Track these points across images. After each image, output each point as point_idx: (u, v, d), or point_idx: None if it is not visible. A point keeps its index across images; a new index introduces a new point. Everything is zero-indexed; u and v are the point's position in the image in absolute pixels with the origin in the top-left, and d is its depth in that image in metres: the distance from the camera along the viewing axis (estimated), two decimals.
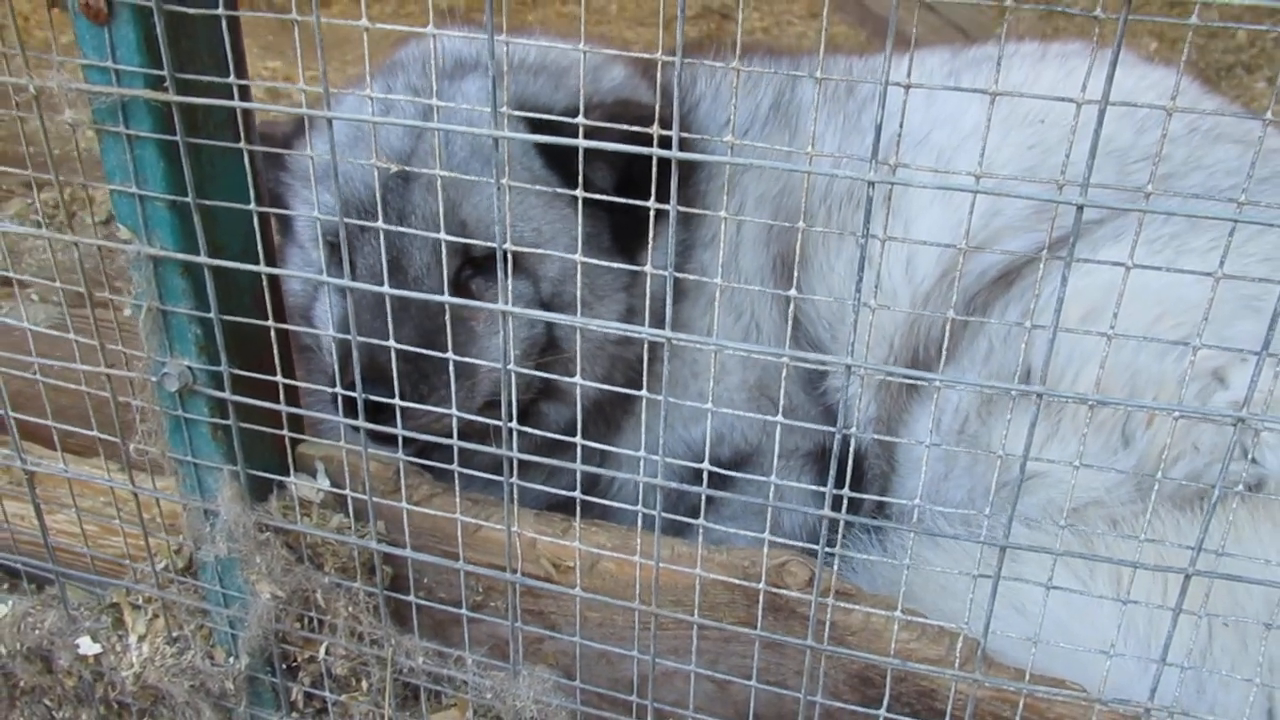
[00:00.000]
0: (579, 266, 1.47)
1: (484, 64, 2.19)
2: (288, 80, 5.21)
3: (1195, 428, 2.18)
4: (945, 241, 2.30)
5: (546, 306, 2.15)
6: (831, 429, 1.46)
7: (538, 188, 2.04)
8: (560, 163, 2.14)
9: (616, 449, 1.68)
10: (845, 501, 1.51)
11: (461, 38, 2.17)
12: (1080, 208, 1.36)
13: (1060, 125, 2.42)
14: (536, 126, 2.09)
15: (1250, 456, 2.24)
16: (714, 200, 2.29)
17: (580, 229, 1.48)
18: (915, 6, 4.45)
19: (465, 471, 1.73)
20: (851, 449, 1.56)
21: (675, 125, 1.34)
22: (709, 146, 2.17)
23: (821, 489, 1.49)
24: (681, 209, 1.41)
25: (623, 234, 2.14)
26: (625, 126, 1.44)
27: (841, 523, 1.53)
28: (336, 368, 1.78)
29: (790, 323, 2.30)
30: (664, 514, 1.65)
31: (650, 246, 1.70)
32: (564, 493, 1.70)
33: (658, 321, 1.47)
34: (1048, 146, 2.41)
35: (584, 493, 1.67)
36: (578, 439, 1.61)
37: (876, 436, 2.30)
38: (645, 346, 1.54)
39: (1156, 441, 2.22)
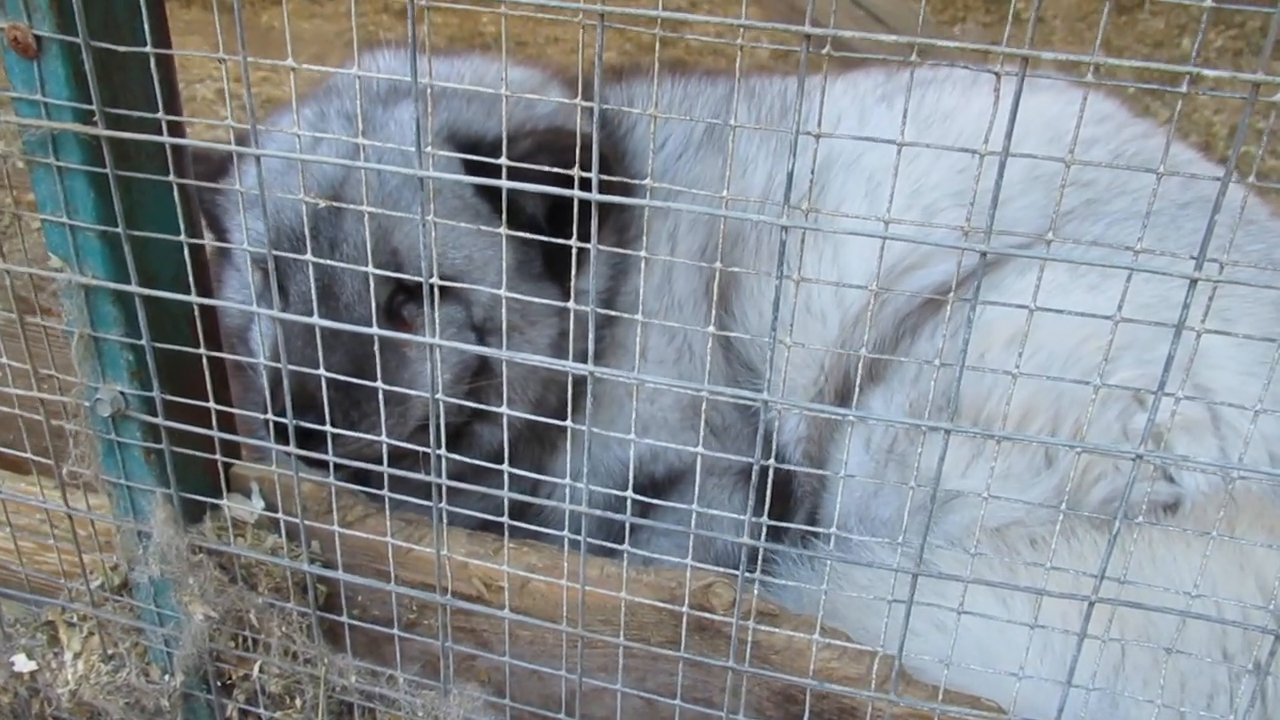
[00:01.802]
0: (509, 295, 1.51)
1: (422, 89, 2.21)
2: (236, 82, 5.20)
3: (1118, 447, 2.24)
4: (874, 264, 2.36)
5: (479, 330, 2.18)
6: (749, 459, 1.51)
7: (464, 225, 2.05)
8: (491, 190, 2.17)
9: (546, 477, 1.72)
10: (764, 530, 1.56)
11: (398, 60, 2.20)
12: (984, 254, 1.40)
13: (995, 146, 2.47)
14: (469, 154, 2.12)
15: (1168, 476, 2.31)
16: (649, 222, 2.32)
17: (511, 256, 1.51)
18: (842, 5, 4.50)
19: (396, 497, 1.76)
20: (774, 469, 1.60)
21: (594, 169, 1.38)
22: (645, 168, 2.21)
23: (746, 515, 1.53)
24: (604, 248, 1.45)
25: (554, 260, 2.17)
26: (556, 155, 1.47)
27: (766, 545, 1.58)
28: (268, 394, 1.81)
29: (722, 343, 2.35)
30: (593, 540, 1.69)
31: (582, 273, 1.74)
32: (493, 518, 1.73)
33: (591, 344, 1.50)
34: (980, 168, 2.46)
35: (520, 512, 1.71)
36: (504, 466, 1.65)
37: (797, 467, 2.35)
38: (586, 360, 1.57)
39: (1079, 461, 2.28)
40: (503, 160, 1.42)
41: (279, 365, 1.65)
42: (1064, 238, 2.40)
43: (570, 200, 1.38)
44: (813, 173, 1.43)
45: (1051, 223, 1.43)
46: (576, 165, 1.39)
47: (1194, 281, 1.35)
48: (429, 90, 1.46)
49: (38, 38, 1.52)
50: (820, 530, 1.74)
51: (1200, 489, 2.25)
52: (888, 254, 2.42)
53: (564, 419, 2.17)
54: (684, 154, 2.43)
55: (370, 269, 1.57)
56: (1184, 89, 1.26)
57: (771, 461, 1.56)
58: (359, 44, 1.51)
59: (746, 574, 1.66)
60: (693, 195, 2.00)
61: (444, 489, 1.67)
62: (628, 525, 1.66)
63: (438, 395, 1.61)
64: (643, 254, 1.44)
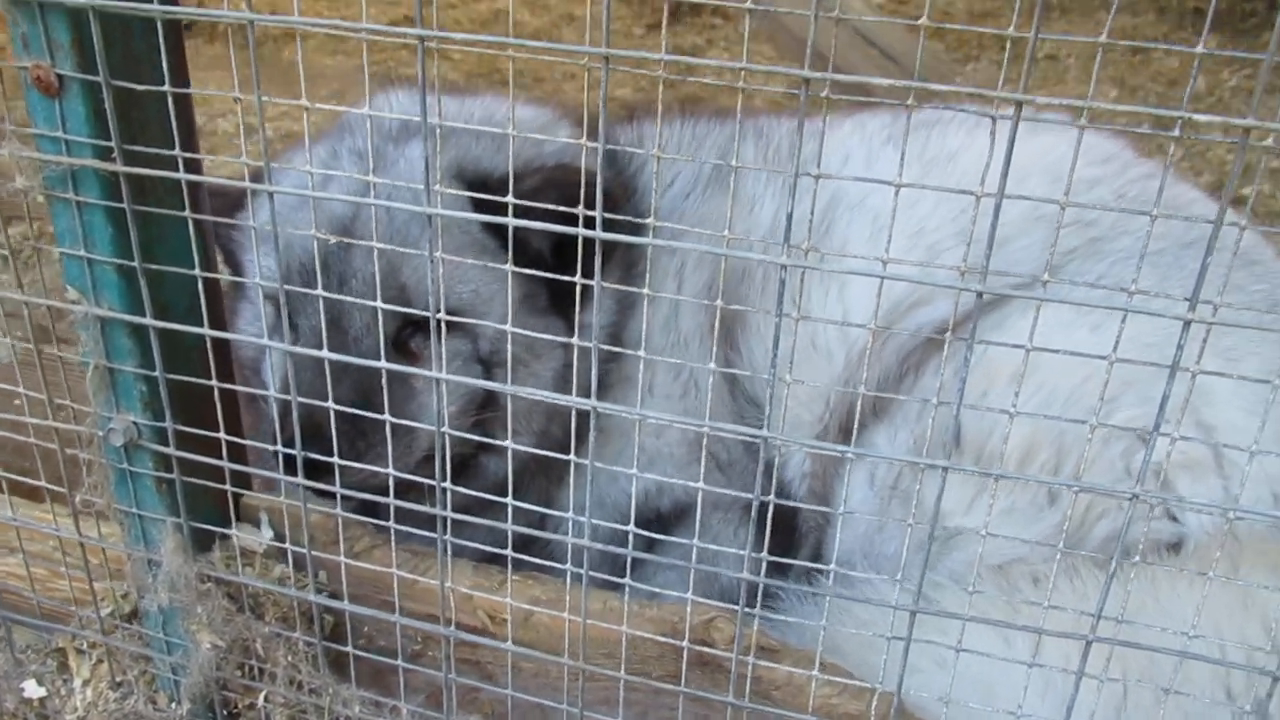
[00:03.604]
0: (514, 328, 1.54)
1: (431, 127, 2.25)
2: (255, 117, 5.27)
3: (1118, 485, 2.25)
4: (879, 301, 2.38)
5: (485, 363, 2.20)
6: (749, 495, 1.53)
7: (470, 262, 2.09)
8: (499, 226, 2.20)
9: (552, 511, 1.74)
10: (763, 566, 1.58)
11: (411, 98, 2.24)
12: (980, 294, 1.42)
13: (993, 188, 2.50)
14: (477, 190, 2.16)
15: (1171, 515, 2.32)
16: (655, 258, 2.35)
17: (517, 290, 1.54)
18: (855, 42, 4.55)
19: (402, 529, 1.79)
20: (779, 503, 1.62)
21: (599, 207, 1.40)
22: (649, 208, 2.26)
23: (753, 547, 1.55)
24: (609, 285, 1.47)
25: (561, 294, 2.20)
26: (562, 191, 1.50)
27: (769, 579, 1.60)
28: (277, 425, 1.84)
29: (725, 374, 2.37)
30: (600, 574, 1.71)
31: (587, 308, 1.76)
32: (499, 550, 1.75)
33: (596, 377, 1.53)
34: (981, 210, 2.48)
35: (527, 544, 1.73)
36: (509, 500, 1.67)
37: (800, 504, 2.36)
38: (590, 395, 1.60)
39: (1082, 498, 2.29)
40: (509, 199, 1.45)
41: (287, 397, 1.68)
42: (1066, 277, 2.42)
43: (576, 236, 1.41)
44: (812, 214, 1.46)
45: (1048, 264, 1.46)
46: (581, 204, 1.42)
47: (1187, 323, 1.36)
48: (438, 129, 1.50)
49: (60, 76, 1.57)
50: (819, 567, 1.75)
51: (1204, 528, 2.25)
52: (892, 291, 2.45)
53: (570, 452, 2.19)
54: (692, 192, 2.47)
55: (379, 304, 1.60)
56: (1176, 133, 1.29)
57: (771, 498, 1.57)
58: (373, 82, 1.55)
59: (747, 610, 1.67)
60: (698, 235, 2.04)
61: (449, 521, 1.69)
62: (629, 561, 1.68)
63: (443, 429, 1.63)
64: (645, 291, 1.47)
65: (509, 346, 1.58)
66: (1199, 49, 1.24)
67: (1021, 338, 2.26)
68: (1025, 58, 1.31)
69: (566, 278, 1.50)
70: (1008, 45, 1.28)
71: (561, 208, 1.44)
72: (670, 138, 2.56)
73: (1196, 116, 1.25)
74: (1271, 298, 2.45)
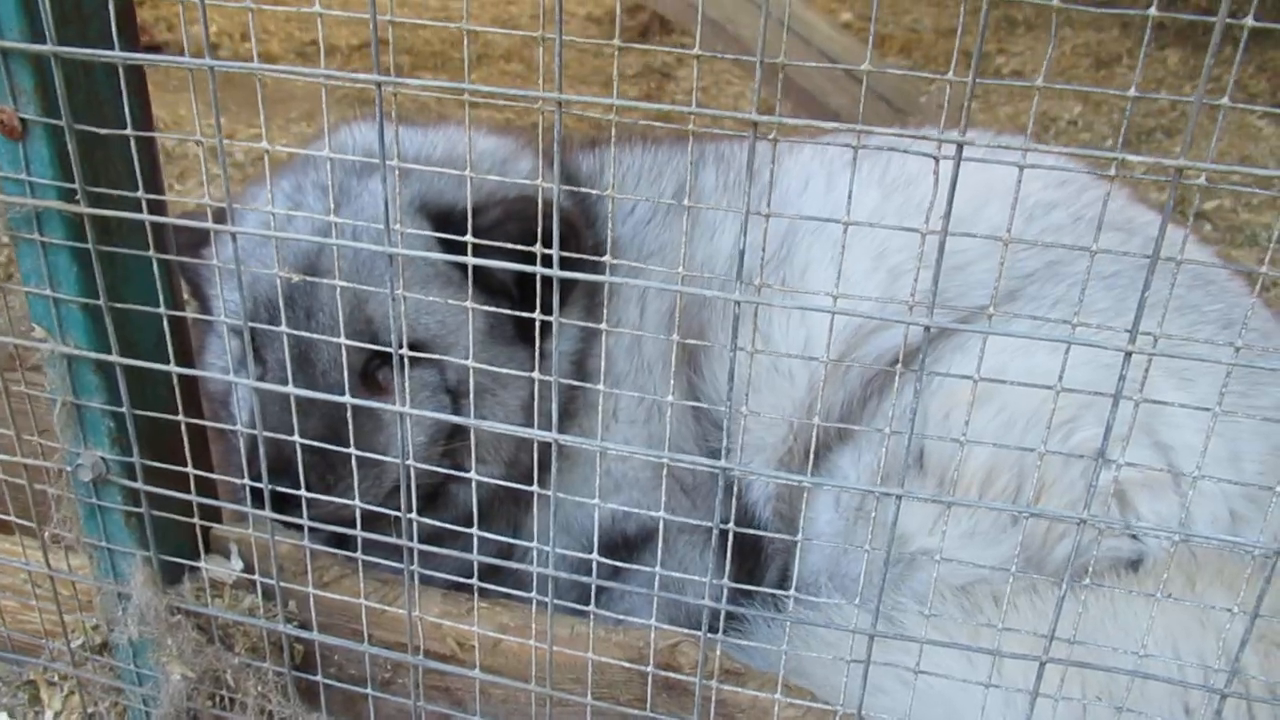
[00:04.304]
0: (482, 357, 1.57)
1: (390, 162, 2.28)
2: (229, 138, 5.29)
3: (1079, 505, 2.29)
4: (841, 324, 2.42)
5: (453, 393, 2.23)
6: (710, 524, 1.56)
7: (435, 294, 2.12)
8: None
9: (518, 542, 1.77)
10: (724, 593, 1.61)
11: (373, 129, 2.25)
12: (927, 328, 1.45)
13: (956, 213, 2.54)
14: (441, 223, 2.19)
15: (1130, 533, 2.36)
16: (617, 286, 2.37)
17: (483, 320, 1.57)
18: (839, 79, 4.61)
19: (370, 560, 1.81)
20: (729, 522, 1.64)
21: (555, 245, 1.44)
22: (615, 233, 2.29)
23: (716, 574, 1.58)
24: (566, 322, 1.51)
25: (526, 322, 2.22)
26: (524, 223, 1.54)
27: (734, 605, 1.63)
28: (244, 459, 1.86)
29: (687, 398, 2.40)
30: (567, 601, 1.74)
31: (551, 336, 1.79)
32: (465, 580, 1.78)
33: (561, 403, 1.56)
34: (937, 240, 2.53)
35: (496, 570, 1.75)
36: (474, 530, 1.70)
37: (758, 532, 2.39)
38: (551, 425, 1.63)
39: (1043, 520, 2.32)
40: (468, 238, 1.48)
41: (253, 431, 1.70)
42: (1025, 299, 2.46)
43: (550, 245, 1.44)
44: (763, 247, 1.49)
45: (993, 299, 1.50)
46: (539, 242, 1.45)
47: (1128, 354, 1.40)
48: (399, 165, 1.53)
49: (23, 120, 1.59)
50: (779, 593, 1.78)
51: (1162, 545, 2.29)
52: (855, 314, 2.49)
53: (538, 478, 2.21)
54: (653, 219, 2.50)
55: (341, 340, 1.63)
56: (1113, 172, 1.33)
57: (731, 525, 1.60)
58: (344, 104, 1.57)
59: (709, 635, 1.70)
60: (661, 260, 2.08)
61: (415, 551, 1.72)
62: (593, 588, 1.70)
63: (409, 461, 1.66)
64: (603, 326, 1.50)
65: (471, 378, 1.60)
66: (1131, 91, 1.27)
67: (986, 354, 2.31)
68: (963, 105, 1.35)
69: (528, 314, 1.53)
70: (973, 64, 1.32)
71: (522, 245, 1.48)
72: (632, 164, 2.59)
73: (1130, 158, 1.30)
74: (1227, 317, 2.49)
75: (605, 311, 1.49)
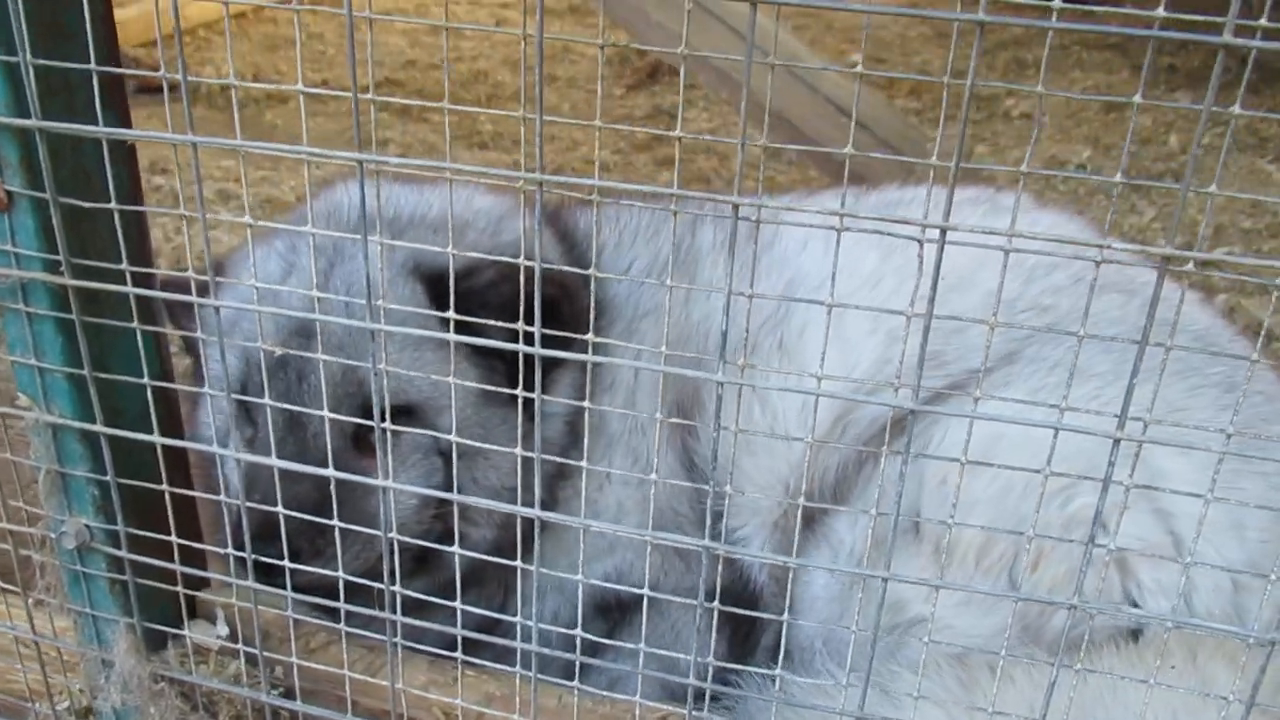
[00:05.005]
0: (475, 418, 1.55)
1: (388, 219, 2.28)
2: (236, 182, 5.32)
3: (1078, 571, 2.26)
4: (838, 384, 2.39)
5: (445, 455, 2.21)
6: (694, 603, 1.54)
7: (429, 353, 2.11)
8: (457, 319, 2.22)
9: (503, 617, 1.75)
10: (709, 671, 1.58)
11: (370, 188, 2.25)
12: (913, 411, 1.44)
13: (954, 275, 2.52)
14: (434, 284, 2.18)
15: (1132, 601, 2.32)
16: (611, 349, 2.35)
17: (476, 378, 1.55)
18: (845, 125, 4.59)
19: (353, 631, 1.79)
20: (741, 588, 1.63)
21: (537, 323, 1.43)
22: (610, 292, 2.29)
23: (704, 651, 1.56)
24: (549, 398, 1.49)
25: (518, 383, 2.20)
26: (518, 284, 1.54)
27: (723, 682, 1.61)
28: (228, 527, 1.84)
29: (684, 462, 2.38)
30: (556, 658, 1.71)
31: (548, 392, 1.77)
32: (448, 654, 1.76)
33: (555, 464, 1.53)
34: (940, 297, 2.51)
35: (487, 631, 1.73)
36: (458, 604, 1.68)
37: (738, 609, 2.37)
38: (544, 487, 1.61)
39: (1042, 584, 2.29)
40: (451, 314, 1.48)
41: (242, 502, 1.70)
42: (1024, 360, 2.43)
43: (534, 323, 1.43)
44: (747, 322, 1.48)
45: (983, 366, 1.48)
46: (521, 319, 1.45)
47: (1116, 441, 1.38)
48: (393, 225, 1.53)
49: (9, 193, 1.59)
50: (768, 672, 1.76)
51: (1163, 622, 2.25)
52: (854, 373, 2.47)
53: (531, 539, 2.19)
54: (650, 276, 2.48)
55: (326, 413, 1.62)
56: (1099, 260, 1.31)
57: (715, 604, 1.58)
58: (332, 173, 1.57)
59: (695, 712, 1.68)
60: (644, 334, 2.06)
61: (399, 624, 1.70)
62: (577, 663, 1.68)
63: (391, 534, 1.65)
64: (586, 404, 1.48)
65: (454, 447, 1.59)
66: (1117, 177, 1.26)
67: (979, 427, 2.28)
68: (950, 179, 1.33)
69: (513, 391, 1.52)
70: (955, 153, 1.31)
71: (515, 306, 1.48)
72: (629, 222, 2.57)
73: (1116, 245, 1.28)
74: (1229, 380, 2.46)
75: (588, 391, 1.48)
